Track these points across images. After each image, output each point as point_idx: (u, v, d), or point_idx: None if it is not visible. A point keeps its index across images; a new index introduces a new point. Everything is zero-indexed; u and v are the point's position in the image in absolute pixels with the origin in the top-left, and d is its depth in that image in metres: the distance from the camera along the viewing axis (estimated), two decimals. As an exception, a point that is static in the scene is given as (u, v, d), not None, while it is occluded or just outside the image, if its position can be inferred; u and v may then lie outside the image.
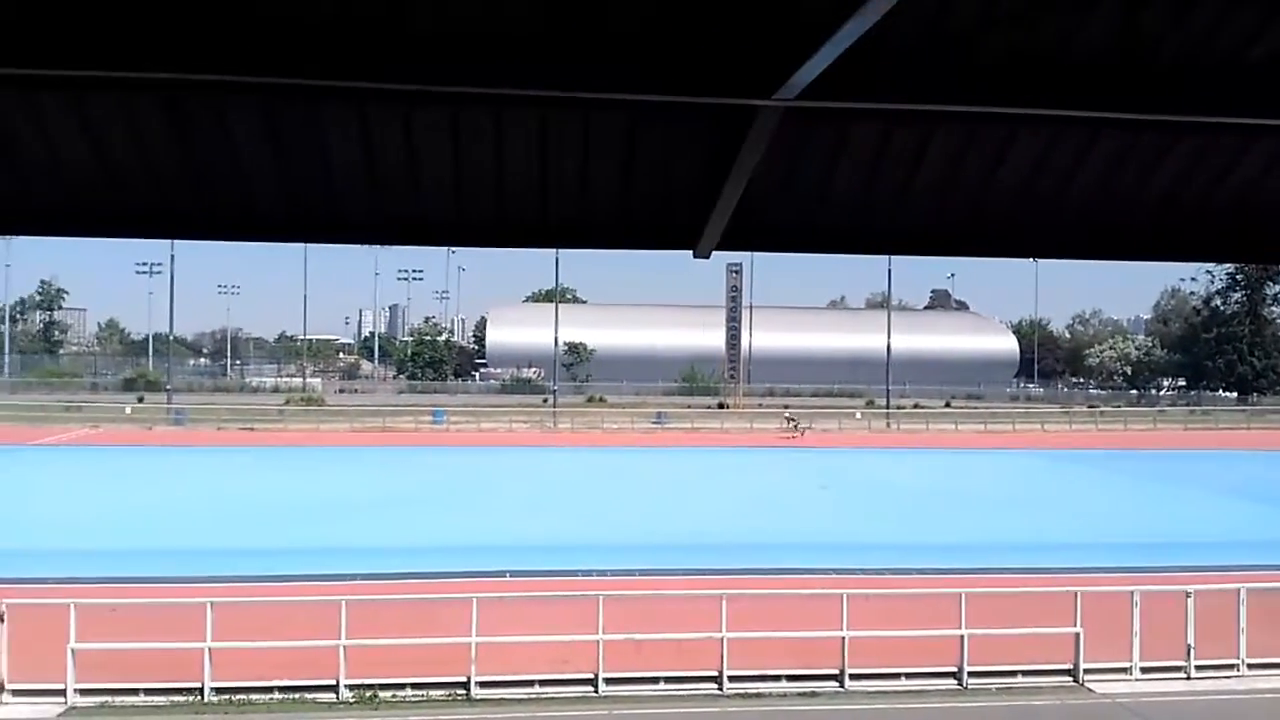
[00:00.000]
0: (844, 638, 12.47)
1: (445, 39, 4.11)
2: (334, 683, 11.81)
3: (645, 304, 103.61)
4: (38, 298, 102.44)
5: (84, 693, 11.60)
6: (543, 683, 12.09)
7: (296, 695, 11.80)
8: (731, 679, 12.25)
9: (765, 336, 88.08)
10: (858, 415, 63.48)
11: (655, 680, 12.24)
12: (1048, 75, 4.45)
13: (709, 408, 68.04)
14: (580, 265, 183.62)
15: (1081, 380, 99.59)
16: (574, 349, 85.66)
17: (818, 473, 36.84)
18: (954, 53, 4.41)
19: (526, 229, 5.78)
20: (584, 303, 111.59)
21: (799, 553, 20.51)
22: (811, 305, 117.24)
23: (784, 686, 12.27)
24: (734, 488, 33.73)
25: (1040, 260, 77.02)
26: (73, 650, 11.57)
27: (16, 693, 11.58)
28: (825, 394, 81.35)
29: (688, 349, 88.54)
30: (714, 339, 79.95)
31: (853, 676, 12.39)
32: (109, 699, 11.62)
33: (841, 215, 5.78)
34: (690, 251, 5.81)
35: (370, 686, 11.91)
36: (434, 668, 12.07)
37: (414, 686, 11.95)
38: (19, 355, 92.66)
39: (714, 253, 5.93)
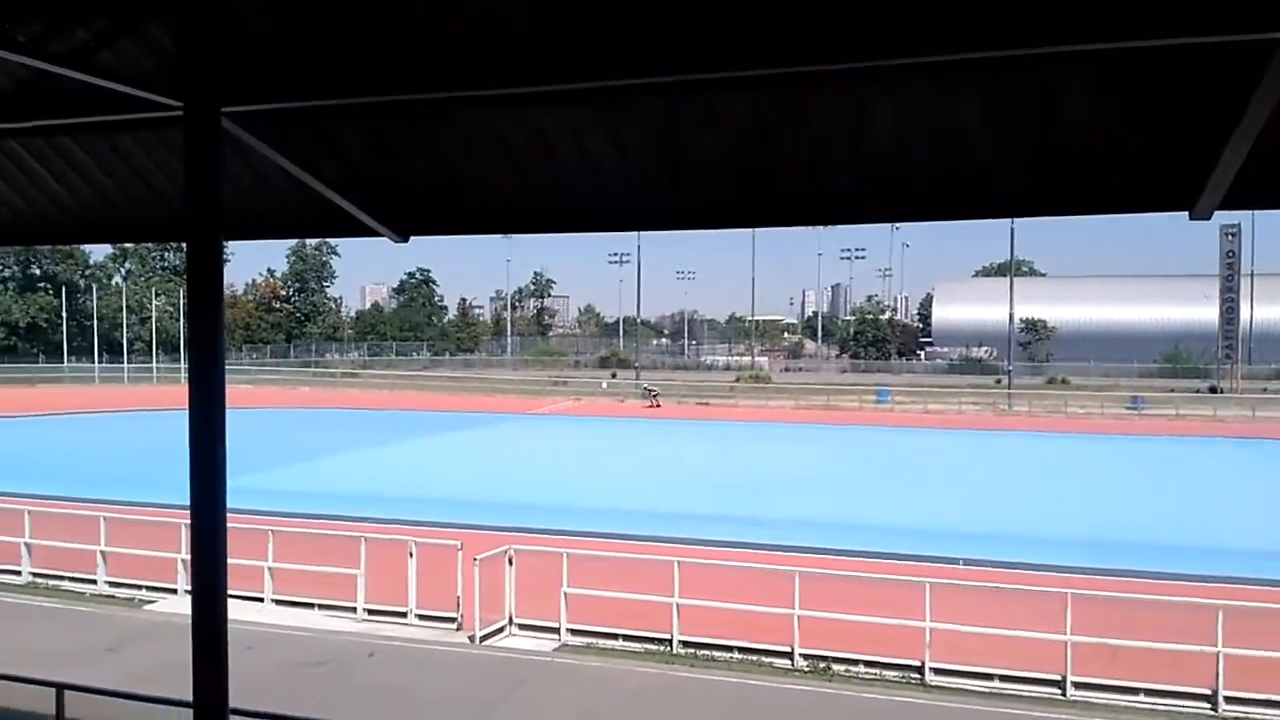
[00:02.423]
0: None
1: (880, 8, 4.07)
2: (789, 649, 12.25)
3: (1116, 275, 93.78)
4: (532, 287, 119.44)
5: (574, 632, 13.20)
6: (1003, 678, 11.50)
7: (754, 657, 12.42)
8: (1229, 700, 10.72)
9: (1273, 310, 75.44)
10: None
11: (1134, 691, 11.08)
12: None
13: (1198, 392, 59.95)
14: (1036, 235, 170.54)
15: None
16: (1031, 326, 79.90)
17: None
18: None
19: (982, 200, 5.49)
20: (1043, 275, 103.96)
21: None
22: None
23: (1300, 718, 10.48)
24: (1232, 484, 29.42)
25: None
26: (565, 594, 13.22)
27: (521, 627, 13.49)
28: (1358, 377, 67.63)
29: (1170, 325, 78.59)
30: (1203, 313, 70.10)
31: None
32: (594, 641, 13.11)
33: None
34: (1186, 213, 5.14)
35: (824, 658, 12.16)
36: (887, 647, 12.00)
37: (867, 664, 12.00)
38: (518, 337, 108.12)
39: (1214, 213, 5.19)
